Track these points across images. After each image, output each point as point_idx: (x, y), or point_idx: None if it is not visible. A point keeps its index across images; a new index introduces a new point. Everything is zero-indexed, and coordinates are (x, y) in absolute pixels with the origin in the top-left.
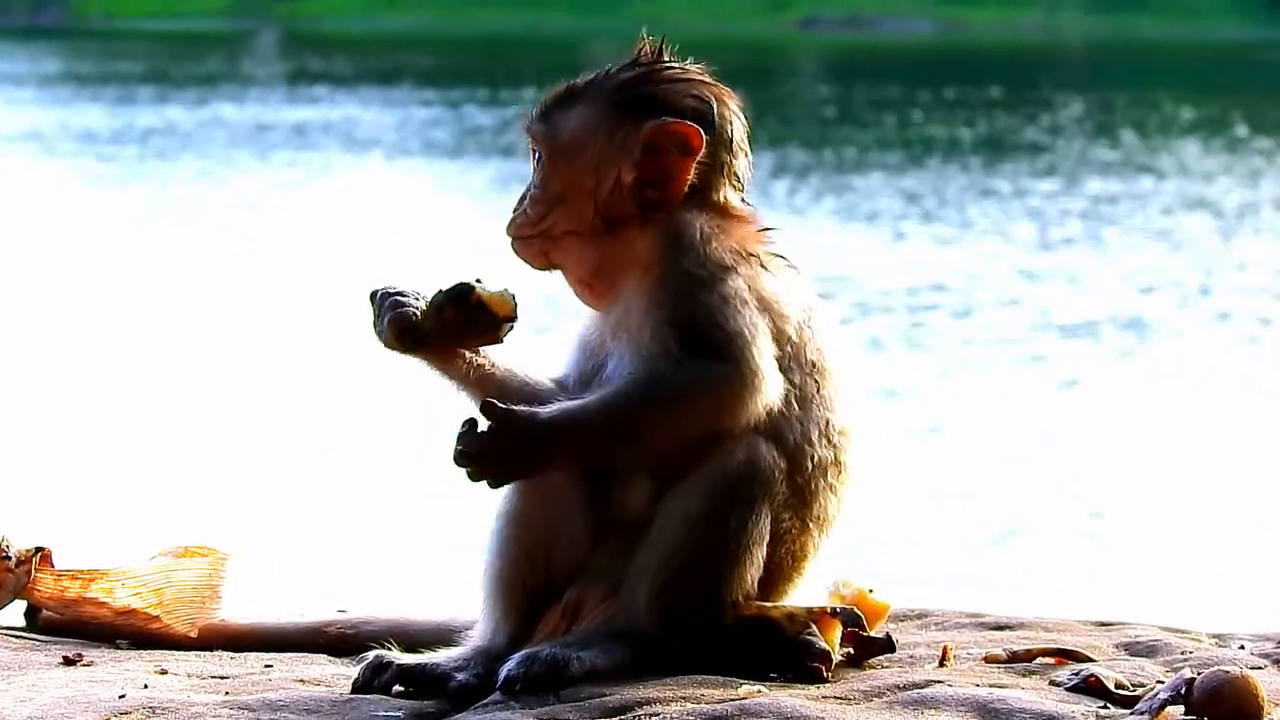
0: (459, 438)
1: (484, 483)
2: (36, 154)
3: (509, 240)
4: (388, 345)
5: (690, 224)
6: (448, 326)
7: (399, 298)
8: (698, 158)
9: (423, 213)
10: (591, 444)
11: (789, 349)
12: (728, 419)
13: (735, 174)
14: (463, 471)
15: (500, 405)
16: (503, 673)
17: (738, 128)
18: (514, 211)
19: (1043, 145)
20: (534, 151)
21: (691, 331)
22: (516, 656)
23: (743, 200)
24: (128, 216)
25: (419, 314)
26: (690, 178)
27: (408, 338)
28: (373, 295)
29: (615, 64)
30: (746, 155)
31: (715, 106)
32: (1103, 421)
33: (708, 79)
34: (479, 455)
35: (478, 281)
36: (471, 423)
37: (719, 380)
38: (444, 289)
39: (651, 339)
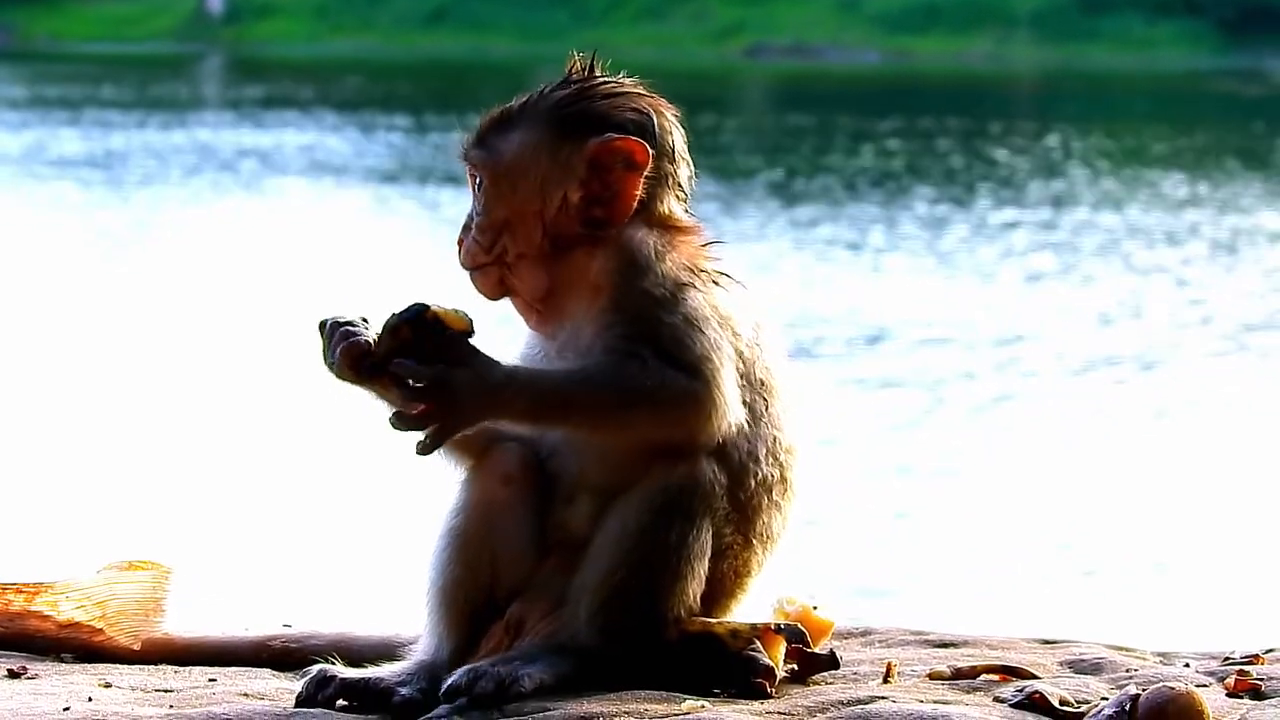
0: (412, 386)
1: (420, 440)
2: None
3: (467, 273)
4: (340, 376)
5: (642, 242)
6: (403, 349)
7: (349, 327)
8: (644, 172)
9: (373, 236)
10: (540, 409)
11: (740, 366)
12: (681, 435)
13: (679, 184)
14: (409, 418)
15: (467, 343)
16: (447, 686)
17: (678, 137)
18: (459, 242)
19: (1004, 175)
20: (473, 177)
21: (657, 349)
22: (461, 670)
23: (686, 212)
24: (79, 238)
25: (372, 341)
26: (639, 193)
27: (362, 366)
28: (321, 325)
29: (548, 84)
30: (688, 164)
31: (654, 118)
32: (1050, 442)
33: (643, 91)
34: (433, 390)
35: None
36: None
37: (685, 394)
38: (396, 312)
39: (606, 349)
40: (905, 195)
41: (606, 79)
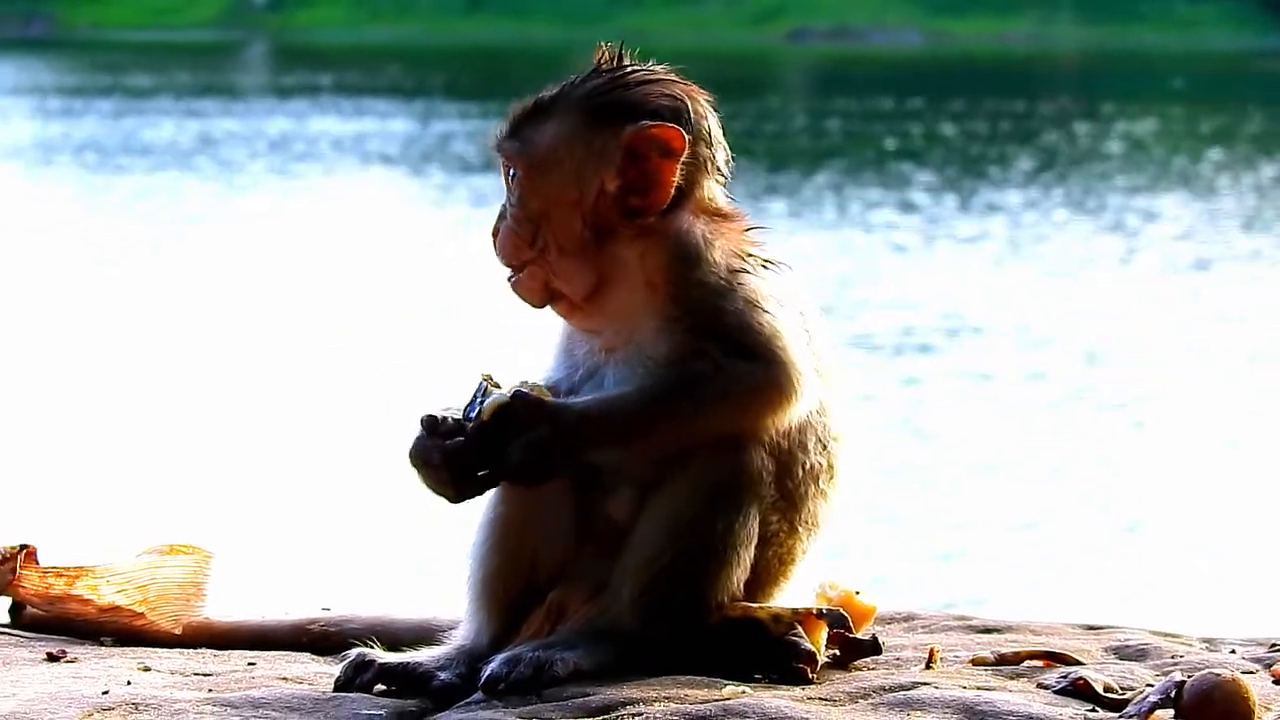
0: (494, 450)
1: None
2: (30, 166)
3: (506, 278)
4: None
5: (689, 232)
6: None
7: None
8: (681, 159)
9: (415, 224)
10: (623, 438)
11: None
12: (770, 421)
13: (717, 168)
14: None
15: (532, 396)
16: (486, 672)
17: (713, 122)
18: (493, 234)
19: (1051, 159)
20: (507, 169)
21: (724, 339)
22: (500, 656)
23: (727, 196)
24: (121, 226)
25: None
26: (675, 180)
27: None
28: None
29: (579, 74)
30: (725, 148)
31: (689, 104)
32: (1096, 431)
33: (675, 78)
34: (519, 462)
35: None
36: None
37: (765, 383)
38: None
39: (673, 350)
40: (969, 181)
41: (638, 67)
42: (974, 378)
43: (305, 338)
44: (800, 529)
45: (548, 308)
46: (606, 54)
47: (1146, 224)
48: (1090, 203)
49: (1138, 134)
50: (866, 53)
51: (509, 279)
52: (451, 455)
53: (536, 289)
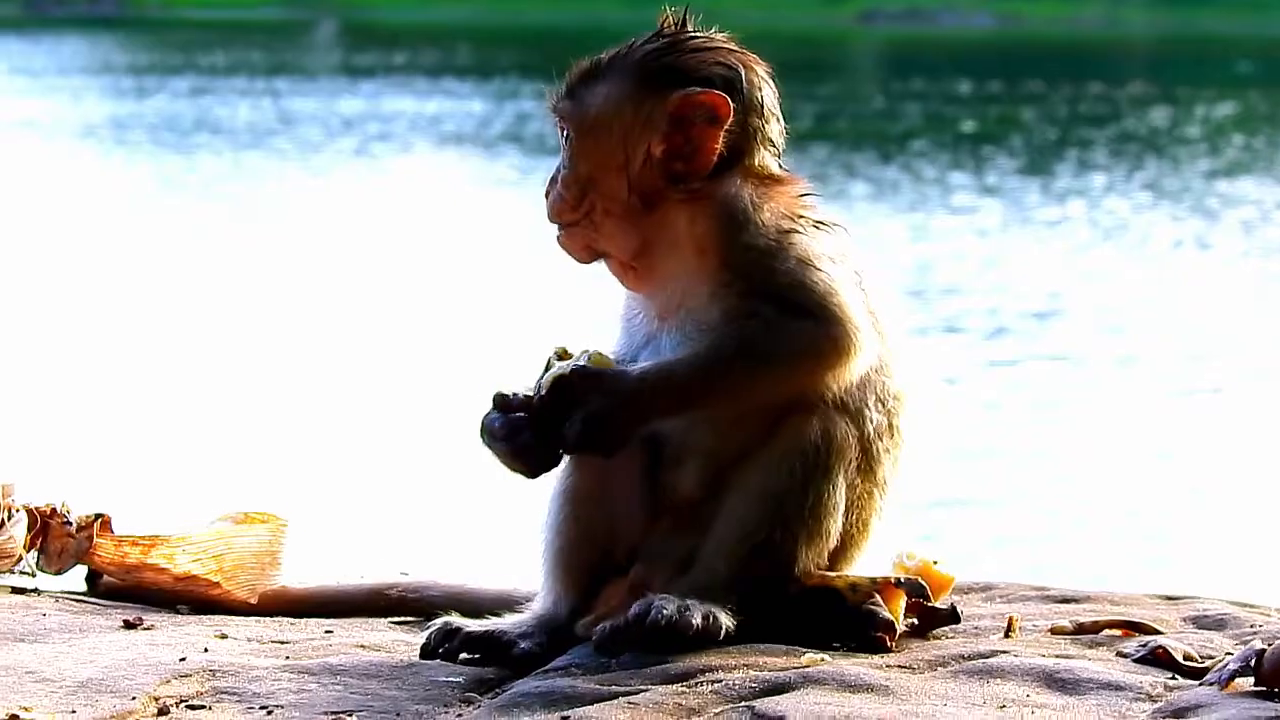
0: (554, 429)
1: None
2: (105, 145)
3: (555, 233)
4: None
5: (737, 196)
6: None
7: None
8: (726, 127)
9: (481, 204)
10: (681, 402)
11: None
12: (829, 378)
13: (769, 139)
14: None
15: (590, 368)
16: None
17: (768, 93)
18: (546, 194)
19: (1131, 143)
20: (562, 130)
21: (777, 299)
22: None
23: (780, 165)
24: (197, 205)
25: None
26: (719, 148)
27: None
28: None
29: (639, 37)
30: (779, 120)
31: (743, 73)
32: (1180, 412)
33: (734, 46)
34: (581, 435)
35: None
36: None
37: (821, 339)
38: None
39: (727, 314)
40: (1049, 164)
41: (697, 33)
42: (1058, 360)
43: (384, 309)
44: (875, 490)
45: (602, 269)
46: (670, 19)
47: (1228, 208)
48: (1172, 187)
49: (1215, 118)
50: (938, 35)
51: (557, 236)
52: (517, 431)
53: (579, 246)
